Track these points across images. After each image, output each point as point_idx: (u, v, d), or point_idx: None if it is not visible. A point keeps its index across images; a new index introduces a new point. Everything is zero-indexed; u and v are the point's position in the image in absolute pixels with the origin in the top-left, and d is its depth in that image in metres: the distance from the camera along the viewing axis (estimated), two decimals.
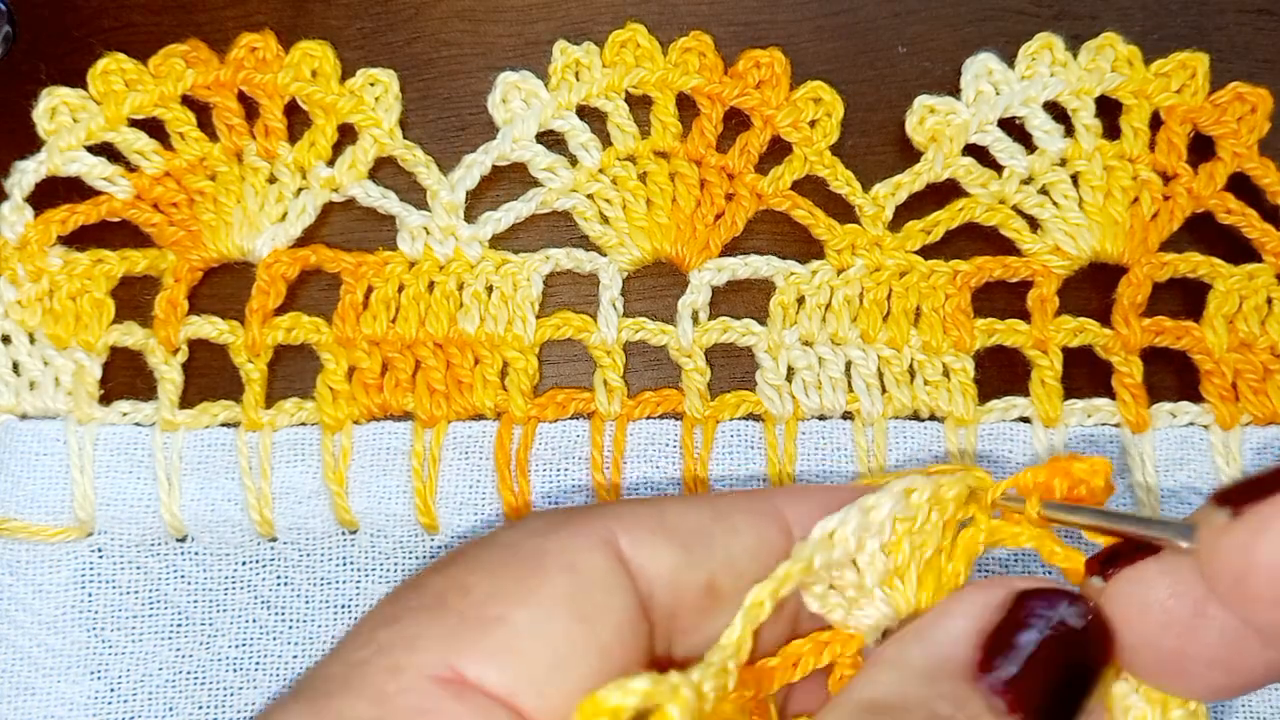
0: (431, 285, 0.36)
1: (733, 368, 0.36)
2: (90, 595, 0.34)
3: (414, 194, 0.37)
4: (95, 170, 0.36)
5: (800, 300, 0.36)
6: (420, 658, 0.23)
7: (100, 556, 0.35)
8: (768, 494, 0.28)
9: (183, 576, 0.35)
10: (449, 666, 0.23)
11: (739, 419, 0.35)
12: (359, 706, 0.22)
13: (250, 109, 0.37)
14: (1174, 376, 0.35)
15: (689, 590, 0.26)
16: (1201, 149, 0.36)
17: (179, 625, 0.34)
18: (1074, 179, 0.36)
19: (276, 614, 0.35)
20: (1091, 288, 0.36)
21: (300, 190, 0.37)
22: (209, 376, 0.36)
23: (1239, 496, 0.22)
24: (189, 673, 0.34)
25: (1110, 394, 0.35)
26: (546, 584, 0.24)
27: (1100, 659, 0.24)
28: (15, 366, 0.36)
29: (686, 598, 0.26)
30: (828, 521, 0.26)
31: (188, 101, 0.37)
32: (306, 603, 0.35)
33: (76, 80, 0.37)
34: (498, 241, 0.37)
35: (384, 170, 0.37)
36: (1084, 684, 0.24)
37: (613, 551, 0.25)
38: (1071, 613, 0.24)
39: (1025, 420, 0.35)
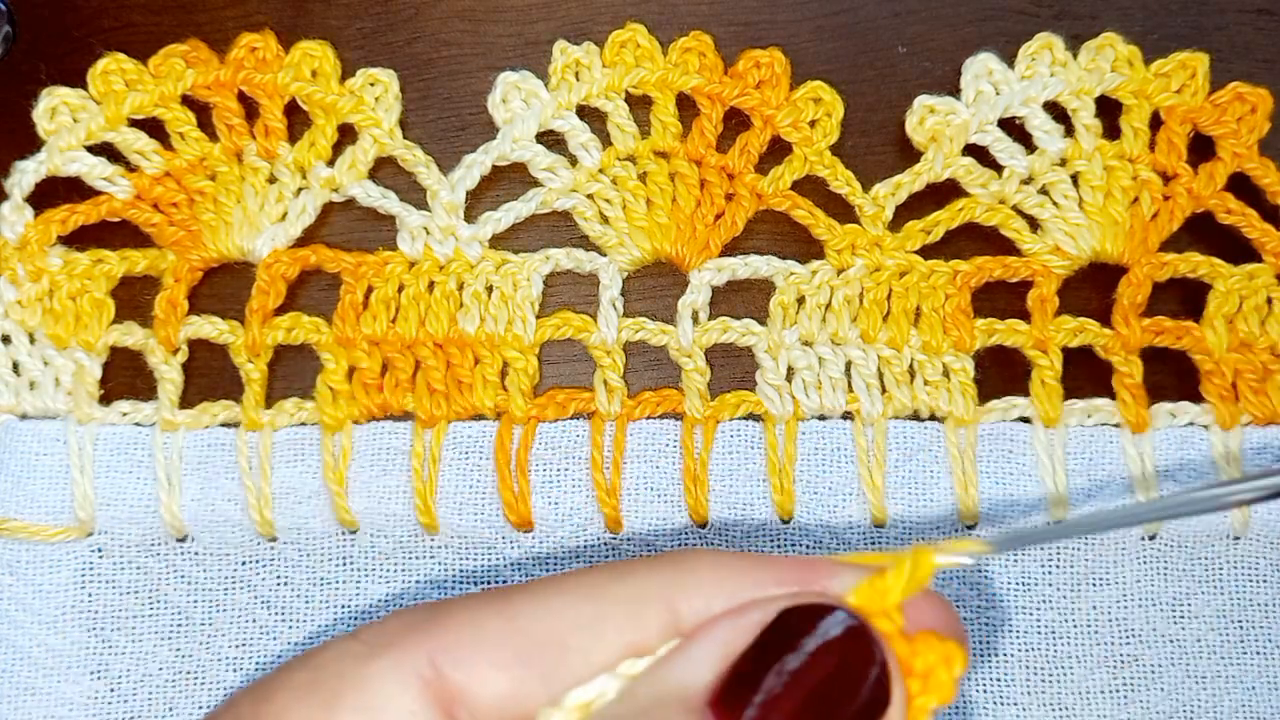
0: (431, 285, 0.36)
1: (733, 368, 0.36)
2: (90, 595, 0.34)
3: (414, 194, 0.37)
4: (95, 170, 0.36)
5: (800, 300, 0.36)
6: None
7: (100, 556, 0.35)
8: (662, 579, 0.23)
9: (183, 576, 0.35)
10: None
11: (739, 419, 0.35)
12: None
13: (250, 109, 0.37)
14: (1174, 376, 0.35)
15: (525, 713, 0.23)
16: (1201, 149, 0.36)
17: (179, 625, 0.34)
18: (1074, 179, 0.36)
19: (276, 614, 0.35)
20: (1091, 288, 0.36)
21: (300, 190, 0.37)
22: (209, 376, 0.36)
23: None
24: (189, 673, 0.34)
25: (1110, 394, 0.35)
26: None
27: (874, 696, 0.21)
28: (15, 366, 0.36)
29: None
30: (581, 691, 0.22)
31: (188, 101, 0.37)
32: (306, 603, 0.35)
33: (76, 80, 0.37)
34: (498, 241, 0.37)
35: (384, 170, 0.37)
36: None
37: (427, 686, 0.22)
38: (839, 633, 0.21)
39: (1025, 420, 0.35)
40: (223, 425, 0.35)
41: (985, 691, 0.34)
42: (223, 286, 0.37)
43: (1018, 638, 0.34)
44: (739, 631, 0.22)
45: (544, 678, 0.23)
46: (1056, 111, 0.36)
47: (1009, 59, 0.37)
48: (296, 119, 0.37)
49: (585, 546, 0.35)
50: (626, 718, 0.21)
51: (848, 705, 0.21)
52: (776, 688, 0.21)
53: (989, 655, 0.34)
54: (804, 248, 0.36)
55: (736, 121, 0.37)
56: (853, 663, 0.21)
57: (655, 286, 0.37)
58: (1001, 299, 0.36)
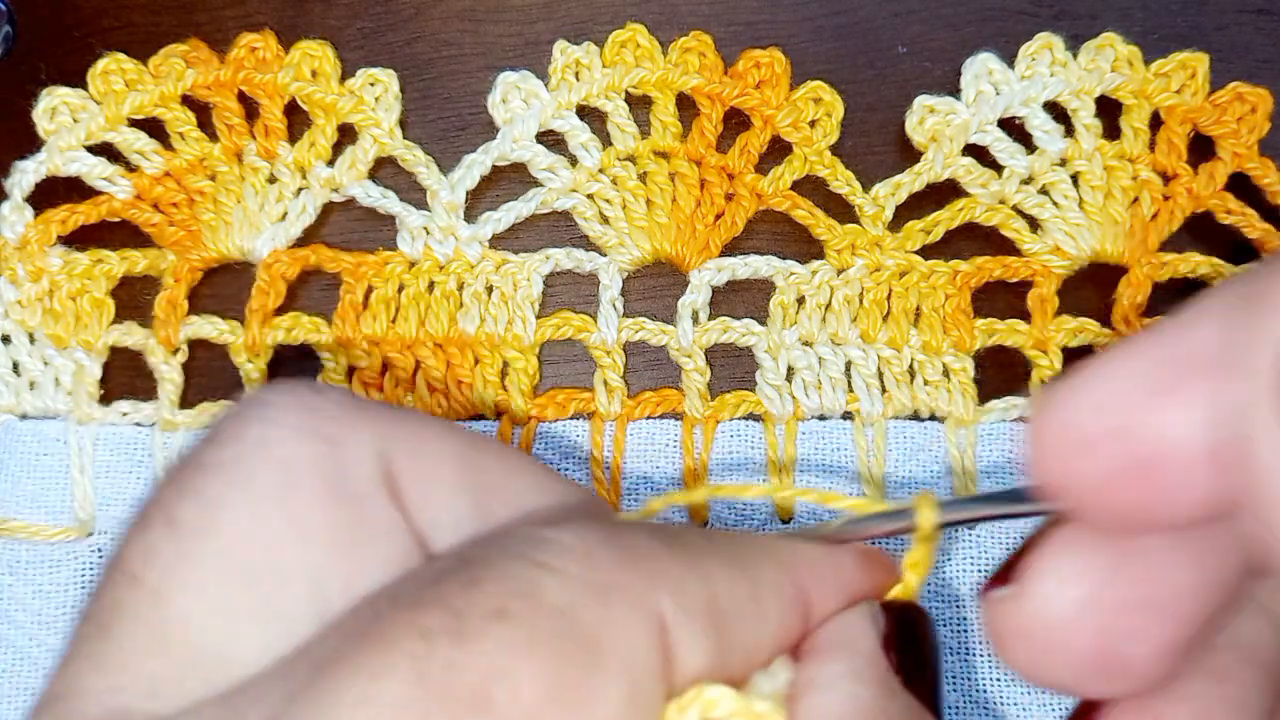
0: (431, 285, 0.36)
1: (733, 368, 0.36)
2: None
3: (414, 194, 0.37)
4: (95, 170, 0.36)
5: (800, 300, 0.36)
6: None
7: (100, 556, 0.35)
8: (797, 573, 0.23)
9: None
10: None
11: (739, 419, 0.35)
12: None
13: (250, 109, 0.37)
14: None
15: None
16: (1201, 149, 0.36)
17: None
18: (1074, 179, 0.36)
19: None
20: (1091, 288, 0.36)
21: (300, 190, 0.37)
22: (209, 376, 0.36)
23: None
24: None
25: None
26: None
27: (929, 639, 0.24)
28: (15, 366, 0.36)
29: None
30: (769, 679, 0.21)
31: (188, 101, 0.37)
32: None
33: (76, 80, 0.37)
34: (498, 241, 0.37)
35: (384, 170, 0.37)
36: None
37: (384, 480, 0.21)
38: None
39: (1025, 420, 0.35)
40: None
41: (986, 692, 0.34)
42: (223, 286, 0.37)
43: None
44: (878, 621, 0.23)
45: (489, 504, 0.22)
46: (1056, 111, 0.36)
47: (1009, 59, 0.37)
48: (296, 119, 0.37)
49: None
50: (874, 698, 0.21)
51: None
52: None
53: (988, 655, 0.34)
54: (804, 248, 0.36)
55: (736, 121, 0.37)
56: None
57: (655, 286, 0.37)
58: (1001, 299, 0.36)
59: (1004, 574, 0.20)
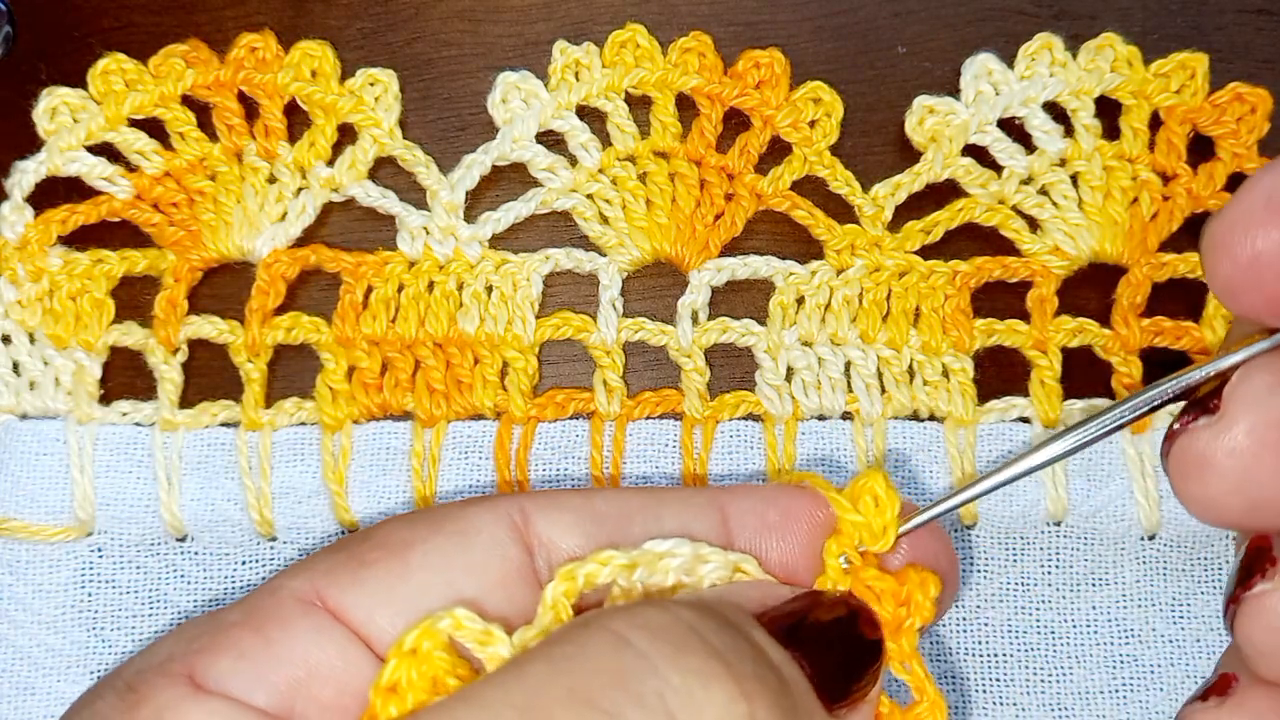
0: (431, 285, 0.36)
1: (732, 368, 0.36)
2: (90, 595, 0.34)
3: (414, 194, 0.37)
4: (95, 170, 0.36)
5: (800, 300, 0.36)
6: (295, 582, 0.26)
7: (100, 556, 0.35)
8: (711, 489, 0.30)
9: (183, 576, 0.35)
10: (315, 591, 0.26)
11: (738, 419, 0.35)
12: (234, 613, 0.26)
13: (250, 109, 0.37)
14: None
15: None
16: (1201, 149, 0.36)
17: (179, 625, 0.34)
18: (1073, 179, 0.36)
19: None
20: (1091, 288, 0.36)
21: (300, 190, 0.37)
22: (209, 376, 0.36)
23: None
24: None
25: (1110, 394, 0.35)
26: (430, 541, 0.27)
27: (870, 654, 0.26)
28: (15, 366, 0.36)
29: None
30: (660, 543, 0.26)
31: (188, 101, 0.37)
32: None
33: (76, 80, 0.37)
34: (498, 241, 0.37)
35: (384, 170, 0.37)
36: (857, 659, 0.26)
37: (513, 526, 0.27)
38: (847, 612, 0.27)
39: (1025, 420, 0.35)
40: (223, 425, 0.35)
41: (985, 692, 0.34)
42: (223, 286, 0.37)
43: (1018, 638, 0.34)
44: (782, 590, 0.27)
45: (610, 543, 0.27)
46: (1056, 111, 0.36)
47: (1009, 59, 0.37)
48: (296, 119, 0.37)
49: None
50: (694, 599, 0.26)
51: (851, 658, 0.26)
52: (804, 631, 0.26)
53: (988, 655, 0.34)
54: (804, 248, 0.36)
55: (736, 121, 0.37)
56: (857, 633, 0.27)
57: (655, 286, 0.37)
58: (1001, 299, 0.36)
59: (1198, 408, 0.23)
